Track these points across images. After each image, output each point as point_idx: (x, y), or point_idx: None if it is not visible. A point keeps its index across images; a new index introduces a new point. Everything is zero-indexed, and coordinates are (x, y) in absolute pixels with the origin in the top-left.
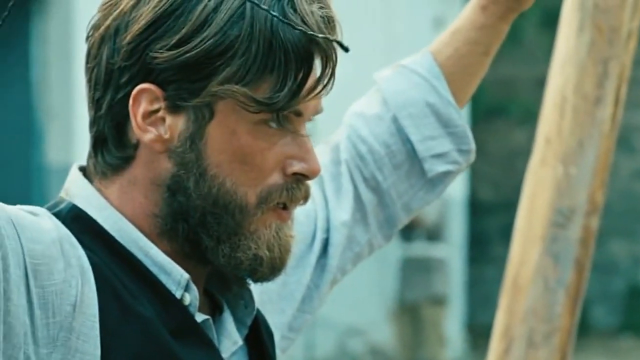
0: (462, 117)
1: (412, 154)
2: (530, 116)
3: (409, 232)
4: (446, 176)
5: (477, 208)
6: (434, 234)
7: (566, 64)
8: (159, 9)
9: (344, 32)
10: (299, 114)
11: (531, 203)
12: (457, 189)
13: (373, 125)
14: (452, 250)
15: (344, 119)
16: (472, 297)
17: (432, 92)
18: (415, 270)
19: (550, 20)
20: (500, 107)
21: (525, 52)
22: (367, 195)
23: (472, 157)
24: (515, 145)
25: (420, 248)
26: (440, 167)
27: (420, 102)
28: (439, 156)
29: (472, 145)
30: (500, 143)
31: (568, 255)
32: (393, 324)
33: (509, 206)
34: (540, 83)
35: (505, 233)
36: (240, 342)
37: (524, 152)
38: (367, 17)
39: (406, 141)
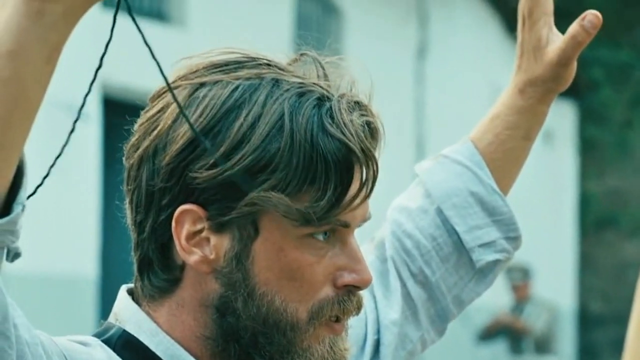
0: (507, 204)
1: (459, 245)
2: None
3: (518, 344)
4: (496, 265)
5: (587, 320)
6: (544, 346)
7: None
8: (197, 127)
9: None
10: (345, 225)
11: None
12: (567, 301)
13: (418, 219)
14: None
15: (388, 214)
16: None
17: (475, 181)
18: None
19: None
20: (610, 219)
21: (635, 164)
22: (416, 291)
23: (520, 243)
24: (625, 257)
25: None
26: (489, 257)
27: (463, 191)
28: (487, 245)
29: (520, 232)
30: (610, 255)
31: None
32: None
33: (620, 319)
34: None
35: (616, 346)
36: None
37: (635, 264)
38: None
39: (452, 232)
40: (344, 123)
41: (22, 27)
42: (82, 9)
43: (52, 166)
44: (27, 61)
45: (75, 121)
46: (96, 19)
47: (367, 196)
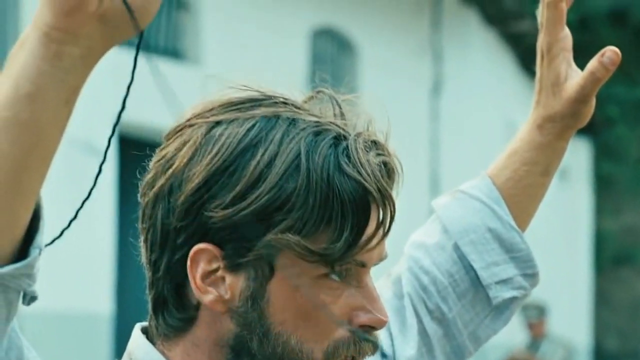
0: (525, 241)
1: (475, 281)
2: None
3: None
4: (512, 302)
5: (602, 357)
6: None
7: None
8: (212, 166)
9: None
10: (362, 265)
11: None
12: (582, 338)
13: (435, 255)
14: None
15: (405, 250)
16: None
17: (493, 217)
18: None
19: None
20: (625, 256)
21: None
22: (432, 328)
23: (538, 280)
24: None
25: None
26: (506, 294)
27: (481, 228)
28: (504, 282)
29: (537, 269)
30: (626, 292)
31: None
32: None
33: (635, 356)
34: None
35: None
36: None
37: None
38: None
39: (469, 269)
40: (361, 163)
41: (40, 70)
42: (101, 52)
43: (72, 219)
44: (45, 104)
45: (102, 163)
46: (112, 56)
47: (384, 236)
